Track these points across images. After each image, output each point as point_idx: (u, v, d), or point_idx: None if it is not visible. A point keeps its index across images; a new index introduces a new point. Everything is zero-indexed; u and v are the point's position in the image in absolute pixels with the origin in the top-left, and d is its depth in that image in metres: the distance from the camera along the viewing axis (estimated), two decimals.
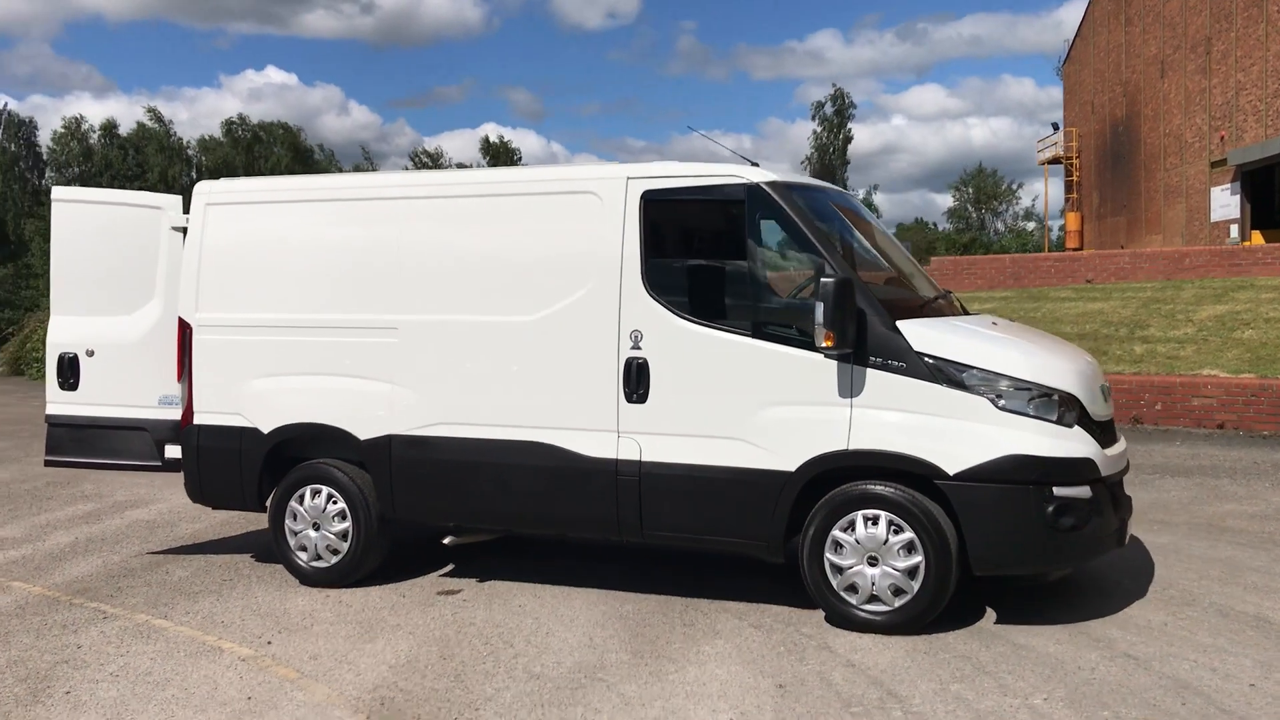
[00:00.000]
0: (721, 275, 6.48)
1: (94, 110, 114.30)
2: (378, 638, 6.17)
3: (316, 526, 7.30)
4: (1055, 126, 47.40)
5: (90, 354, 7.98)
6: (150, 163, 61.14)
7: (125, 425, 7.93)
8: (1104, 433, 6.31)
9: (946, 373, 5.94)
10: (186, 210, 7.86)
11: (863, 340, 6.00)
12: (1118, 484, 6.36)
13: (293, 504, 7.37)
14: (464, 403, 6.90)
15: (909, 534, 5.96)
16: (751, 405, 6.23)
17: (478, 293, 6.90)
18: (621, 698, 5.19)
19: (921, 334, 6.02)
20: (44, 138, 64.73)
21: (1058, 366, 6.15)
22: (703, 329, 6.33)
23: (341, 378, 7.21)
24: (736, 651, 5.81)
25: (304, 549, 7.35)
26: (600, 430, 6.55)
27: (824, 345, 5.88)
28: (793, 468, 6.14)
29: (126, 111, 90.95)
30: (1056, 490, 5.85)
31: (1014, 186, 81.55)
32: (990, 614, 6.38)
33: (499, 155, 69.34)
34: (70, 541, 8.81)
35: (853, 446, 6.03)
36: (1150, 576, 7.18)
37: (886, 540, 6.01)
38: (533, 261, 6.78)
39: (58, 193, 8.20)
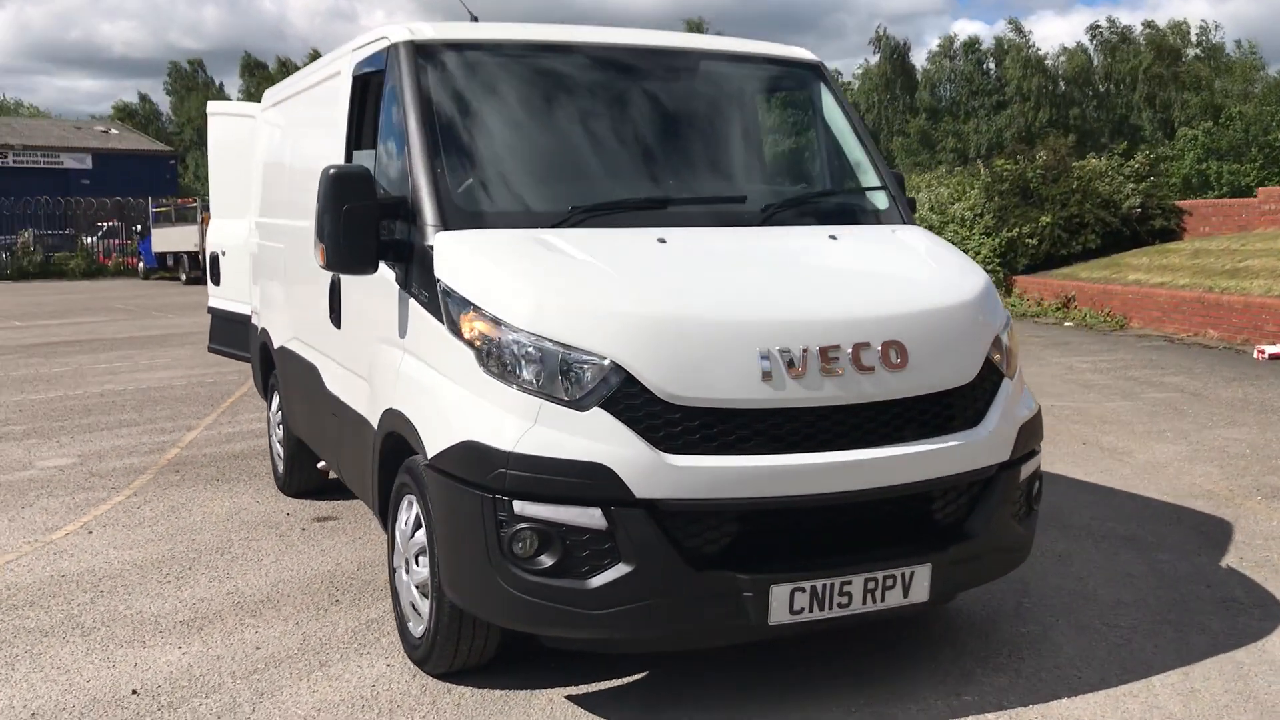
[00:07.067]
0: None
1: (1057, 29, 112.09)
2: (152, 544, 6.40)
3: (271, 434, 7.67)
4: None
5: (223, 254, 8.96)
6: (1008, 75, 60.77)
7: (243, 320, 8.67)
8: (807, 432, 3.95)
9: (448, 310, 4.18)
10: None
11: (406, 259, 4.51)
12: (759, 518, 3.94)
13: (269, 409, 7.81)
14: (300, 317, 6.63)
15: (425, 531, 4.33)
16: (369, 338, 5.04)
17: (309, 196, 6.44)
18: (107, 641, 4.95)
19: (448, 251, 4.27)
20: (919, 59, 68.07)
21: (610, 311, 3.90)
22: None
23: (272, 284, 7.35)
24: (279, 639, 5.10)
25: (275, 453, 7.68)
26: (328, 357, 5.92)
27: (319, 262, 4.58)
28: (375, 421, 4.84)
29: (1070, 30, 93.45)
30: (518, 506, 3.83)
31: None
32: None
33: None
34: (234, 431, 9.97)
35: (394, 404, 4.56)
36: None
37: (412, 537, 4.45)
38: (314, 158, 6.01)
39: (210, 106, 9.29)
